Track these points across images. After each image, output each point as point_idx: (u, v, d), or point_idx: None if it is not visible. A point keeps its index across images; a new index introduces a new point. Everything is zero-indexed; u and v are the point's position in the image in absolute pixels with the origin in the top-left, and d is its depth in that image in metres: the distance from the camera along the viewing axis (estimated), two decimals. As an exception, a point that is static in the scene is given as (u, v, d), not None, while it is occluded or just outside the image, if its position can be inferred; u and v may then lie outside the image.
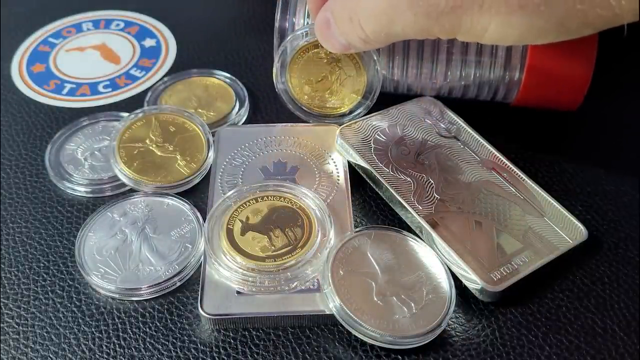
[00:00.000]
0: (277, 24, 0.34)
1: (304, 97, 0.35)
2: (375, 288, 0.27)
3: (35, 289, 0.29)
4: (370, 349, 0.27)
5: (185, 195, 0.32)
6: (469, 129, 0.34)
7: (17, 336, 0.27)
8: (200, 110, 0.37)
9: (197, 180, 0.33)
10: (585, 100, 0.34)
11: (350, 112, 0.35)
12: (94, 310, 0.28)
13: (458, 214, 0.30)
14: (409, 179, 0.31)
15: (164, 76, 0.41)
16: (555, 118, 0.37)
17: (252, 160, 0.34)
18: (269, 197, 0.31)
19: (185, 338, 0.27)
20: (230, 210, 0.30)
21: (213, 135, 0.35)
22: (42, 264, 0.30)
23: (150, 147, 0.34)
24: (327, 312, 0.27)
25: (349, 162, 0.33)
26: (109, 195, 0.33)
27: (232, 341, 0.27)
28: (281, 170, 0.33)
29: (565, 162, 0.35)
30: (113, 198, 0.33)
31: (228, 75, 0.40)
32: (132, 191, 0.33)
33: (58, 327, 0.28)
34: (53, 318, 0.28)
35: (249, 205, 0.30)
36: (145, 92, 0.39)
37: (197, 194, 0.33)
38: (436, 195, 0.30)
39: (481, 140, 0.33)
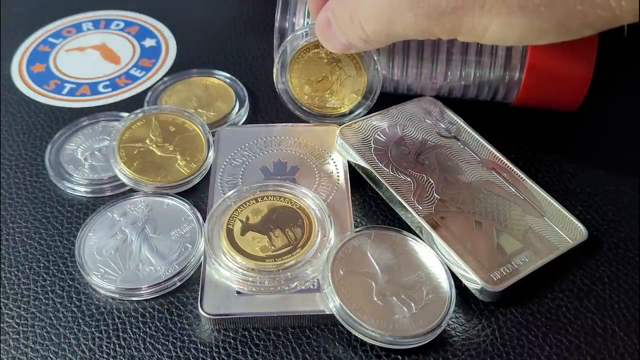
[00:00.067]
0: (277, 24, 0.34)
1: (304, 97, 0.35)
2: (375, 288, 0.27)
3: (35, 289, 0.29)
4: (370, 349, 0.27)
5: (185, 195, 0.32)
6: (469, 129, 0.34)
7: (17, 336, 0.27)
8: (200, 110, 0.37)
9: (197, 180, 0.33)
10: (585, 100, 0.34)
11: (350, 112, 0.35)
12: (94, 310, 0.28)
13: (458, 214, 0.30)
14: (409, 179, 0.31)
15: (164, 76, 0.41)
16: (555, 118, 0.37)
17: (252, 160, 0.34)
18: (269, 197, 0.31)
19: (185, 338, 0.27)
20: (230, 210, 0.30)
21: (213, 135, 0.35)
22: (42, 264, 0.30)
23: (150, 147, 0.34)
24: (327, 312, 0.27)
25: (349, 162, 0.33)
26: (109, 195, 0.33)
27: (232, 341, 0.27)
28: (281, 170, 0.33)
29: (565, 162, 0.35)
30: (113, 198, 0.33)
31: (228, 75, 0.40)
32: (132, 191, 0.33)
33: (58, 327, 0.28)
34: (53, 318, 0.28)
35: (249, 205, 0.30)
36: (145, 92, 0.39)
37: (197, 194, 0.33)
38: (436, 195, 0.30)
39: (481, 140, 0.33)
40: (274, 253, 0.28)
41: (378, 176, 0.31)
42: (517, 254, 0.28)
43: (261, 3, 0.48)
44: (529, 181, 0.31)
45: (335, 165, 0.33)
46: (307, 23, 0.34)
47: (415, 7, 0.26)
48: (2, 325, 0.28)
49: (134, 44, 0.44)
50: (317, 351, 0.27)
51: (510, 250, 0.28)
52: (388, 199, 0.31)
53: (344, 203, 0.31)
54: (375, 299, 0.26)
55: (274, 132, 0.35)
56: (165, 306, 0.28)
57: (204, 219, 0.30)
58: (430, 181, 0.31)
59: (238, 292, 0.27)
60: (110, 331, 0.28)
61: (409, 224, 0.30)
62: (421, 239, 0.29)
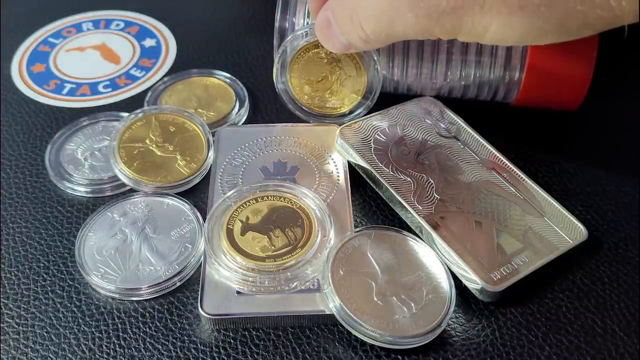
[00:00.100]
0: (277, 24, 0.34)
1: (304, 97, 0.35)
2: (375, 288, 0.27)
3: (35, 289, 0.29)
4: (370, 349, 0.27)
5: (185, 195, 0.32)
6: (469, 129, 0.34)
7: (17, 336, 0.27)
8: (200, 110, 0.37)
9: (197, 180, 0.33)
10: (585, 100, 0.34)
11: (350, 112, 0.35)
12: (94, 310, 0.28)
13: (458, 214, 0.30)
14: (409, 179, 0.31)
15: (164, 76, 0.41)
16: (555, 118, 0.37)
17: (252, 160, 0.34)
18: (269, 197, 0.31)
19: (185, 338, 0.27)
20: (230, 210, 0.30)
21: (213, 135, 0.35)
22: (42, 264, 0.30)
23: (150, 147, 0.34)
24: (327, 312, 0.27)
25: (349, 162, 0.33)
26: (109, 195, 0.33)
27: (232, 341, 0.27)
28: (281, 170, 0.33)
29: (565, 162, 0.35)
30: (113, 198, 0.33)
31: (228, 75, 0.40)
32: (132, 191, 0.33)
33: (58, 327, 0.28)
34: (53, 318, 0.28)
35: (249, 205, 0.30)
36: (145, 92, 0.39)
37: (197, 194, 0.33)
38: (436, 195, 0.30)
39: (481, 140, 0.33)
40: (274, 253, 0.28)
41: (378, 176, 0.31)
42: (517, 254, 0.28)
43: (261, 3, 0.48)
44: (529, 181, 0.31)
45: (335, 165, 0.33)
46: (307, 23, 0.34)
47: (415, 7, 0.26)
48: (2, 325, 0.28)
49: (134, 44, 0.44)
50: (317, 351, 0.27)
51: (510, 250, 0.28)
52: (388, 199, 0.31)
53: (344, 203, 0.31)
54: (375, 299, 0.26)
55: (274, 132, 0.35)
56: (165, 306, 0.28)
57: (204, 219, 0.30)
58: (430, 181, 0.31)
59: (238, 292, 0.27)
60: (110, 331, 0.28)
61: (409, 224, 0.30)
62: (421, 239, 0.29)
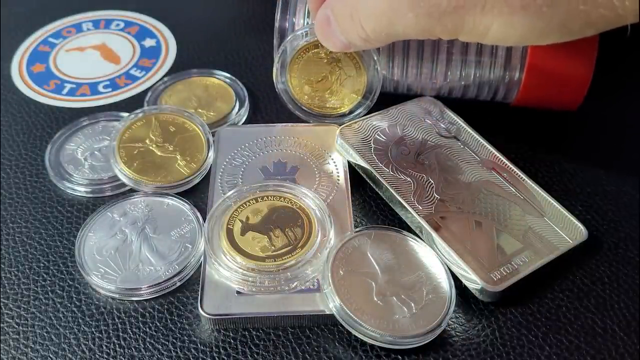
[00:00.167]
0: (277, 24, 0.34)
1: (304, 97, 0.35)
2: (375, 288, 0.27)
3: (35, 289, 0.29)
4: (370, 349, 0.27)
5: (185, 195, 0.32)
6: (469, 129, 0.34)
7: (17, 336, 0.27)
8: (200, 110, 0.37)
9: (197, 180, 0.33)
10: (585, 100, 0.34)
11: (350, 112, 0.35)
12: (94, 310, 0.28)
13: (458, 214, 0.30)
14: (409, 179, 0.31)
15: (164, 76, 0.41)
16: (555, 118, 0.37)
17: (252, 160, 0.34)
18: (269, 197, 0.31)
19: (185, 338, 0.27)
20: (230, 210, 0.30)
21: (213, 135, 0.35)
22: (42, 264, 0.30)
23: (150, 147, 0.34)
24: (327, 312, 0.27)
25: (349, 162, 0.33)
26: (109, 195, 0.33)
27: (232, 341, 0.27)
28: (281, 170, 0.33)
29: (565, 162, 0.35)
30: (113, 198, 0.33)
31: (228, 75, 0.40)
32: (132, 191, 0.33)
33: (58, 327, 0.28)
34: (53, 318, 0.28)
35: (249, 205, 0.30)
36: (145, 92, 0.39)
37: (197, 194, 0.33)
38: (436, 195, 0.30)
39: (481, 140, 0.33)
40: (274, 253, 0.28)
41: (378, 176, 0.31)
42: (517, 254, 0.28)
43: (261, 3, 0.48)
44: (529, 181, 0.31)
45: (335, 165, 0.33)
46: (307, 23, 0.34)
47: (416, 7, 0.26)
48: (2, 325, 0.28)
49: (134, 44, 0.44)
50: (317, 351, 0.27)
51: (510, 250, 0.28)
52: (388, 199, 0.31)
53: (344, 203, 0.31)
54: (375, 299, 0.26)
55: (274, 132, 0.35)
56: (165, 306, 0.28)
57: (204, 219, 0.30)
58: (430, 181, 0.31)
59: (238, 292, 0.27)
60: (110, 331, 0.28)
61: (409, 224, 0.30)
62: (421, 239, 0.29)
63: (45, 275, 0.30)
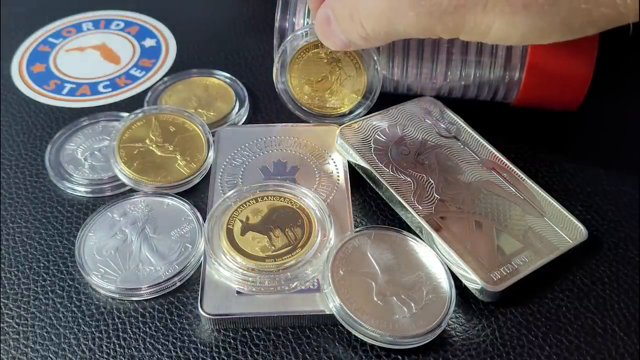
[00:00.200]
0: (277, 24, 0.34)
1: (304, 97, 0.35)
2: (375, 288, 0.27)
3: (35, 289, 0.29)
4: (370, 349, 0.27)
5: (185, 195, 0.32)
6: (469, 129, 0.34)
7: (17, 336, 0.27)
8: (200, 110, 0.37)
9: (197, 180, 0.33)
10: (585, 100, 0.34)
11: (350, 112, 0.35)
12: (94, 310, 0.28)
13: (458, 214, 0.30)
14: (409, 179, 0.31)
15: (164, 76, 0.41)
16: (555, 118, 0.37)
17: (252, 160, 0.34)
18: (269, 197, 0.31)
19: (185, 338, 0.27)
20: (230, 210, 0.30)
21: (213, 135, 0.35)
22: (42, 264, 0.30)
23: (150, 147, 0.34)
24: (327, 312, 0.27)
25: (349, 162, 0.33)
26: (109, 195, 0.33)
27: (232, 341, 0.27)
28: (281, 170, 0.33)
29: (565, 162, 0.35)
30: (113, 198, 0.33)
31: (228, 75, 0.40)
32: (132, 191, 0.33)
33: (58, 327, 0.28)
34: (53, 318, 0.28)
35: (249, 205, 0.30)
36: (145, 92, 0.39)
37: (197, 194, 0.33)
38: (436, 195, 0.30)
39: (481, 140, 0.33)
40: (274, 253, 0.28)
41: (378, 176, 0.31)
42: (517, 254, 0.28)
43: (261, 3, 0.48)
44: (529, 181, 0.31)
45: (335, 165, 0.33)
46: (307, 23, 0.34)
47: (417, 6, 0.26)
48: (2, 325, 0.28)
49: (134, 44, 0.44)
50: (317, 351, 0.27)
51: (510, 250, 0.28)
52: (388, 199, 0.31)
53: (344, 203, 0.31)
54: (375, 299, 0.26)
55: (274, 132, 0.35)
56: (165, 306, 0.28)
57: (204, 219, 0.30)
58: (430, 181, 0.31)
59: (238, 292, 0.27)
60: (110, 331, 0.28)
61: (409, 224, 0.30)
62: (421, 239, 0.29)
63: (45, 275, 0.30)
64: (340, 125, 0.34)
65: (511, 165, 0.32)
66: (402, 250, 0.28)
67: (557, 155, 0.35)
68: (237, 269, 0.28)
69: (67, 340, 0.27)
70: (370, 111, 0.35)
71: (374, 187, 0.32)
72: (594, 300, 0.28)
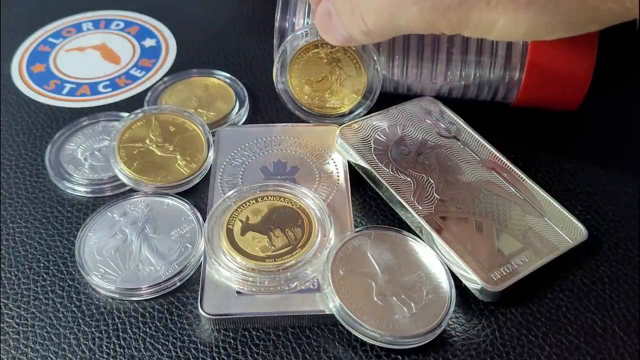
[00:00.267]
0: (277, 24, 0.34)
1: (304, 97, 0.35)
2: (375, 288, 0.27)
3: (35, 289, 0.29)
4: (370, 349, 0.27)
5: (185, 195, 0.32)
6: (469, 129, 0.34)
7: (17, 336, 0.27)
8: (200, 110, 0.37)
9: (197, 180, 0.33)
10: (585, 99, 0.34)
11: (350, 112, 0.35)
12: (94, 310, 0.28)
13: (458, 214, 0.30)
14: (409, 179, 0.31)
15: (164, 76, 0.41)
16: (555, 118, 0.37)
17: (252, 160, 0.34)
18: (269, 197, 0.31)
19: (185, 338, 0.27)
20: (230, 210, 0.30)
21: (213, 135, 0.35)
22: (42, 264, 0.30)
23: (150, 147, 0.34)
24: (327, 312, 0.27)
25: (349, 162, 0.33)
26: (109, 195, 0.33)
27: (232, 341, 0.27)
28: (281, 170, 0.33)
29: (565, 162, 0.35)
30: (113, 198, 0.33)
31: (228, 75, 0.40)
32: (132, 191, 0.33)
33: (58, 327, 0.28)
34: (53, 318, 0.28)
35: (249, 205, 0.30)
36: (145, 92, 0.39)
37: (197, 194, 0.33)
38: (436, 195, 0.30)
39: (481, 140, 0.33)
40: (274, 253, 0.28)
41: (378, 176, 0.31)
42: (517, 254, 0.28)
43: (261, 3, 0.48)
44: (529, 181, 0.31)
45: (335, 165, 0.33)
46: (307, 23, 0.34)
47: (420, 0, 0.25)
48: (2, 325, 0.28)
49: (134, 44, 0.44)
50: (317, 351, 0.27)
51: (510, 250, 0.28)
52: (388, 199, 0.31)
53: (344, 203, 0.31)
54: (375, 299, 0.26)
55: (274, 132, 0.35)
56: (165, 306, 0.28)
57: (204, 219, 0.30)
58: (430, 181, 0.31)
59: (238, 292, 0.27)
60: (110, 331, 0.28)
61: (409, 224, 0.30)
62: (421, 239, 0.29)
63: (45, 275, 0.30)
64: (340, 125, 0.34)
65: (511, 165, 0.32)
66: (402, 250, 0.28)
67: (557, 155, 0.35)
68: (237, 269, 0.28)
69: (67, 340, 0.27)
70: (370, 111, 0.35)
71: (374, 187, 0.32)
72: (594, 300, 0.28)
